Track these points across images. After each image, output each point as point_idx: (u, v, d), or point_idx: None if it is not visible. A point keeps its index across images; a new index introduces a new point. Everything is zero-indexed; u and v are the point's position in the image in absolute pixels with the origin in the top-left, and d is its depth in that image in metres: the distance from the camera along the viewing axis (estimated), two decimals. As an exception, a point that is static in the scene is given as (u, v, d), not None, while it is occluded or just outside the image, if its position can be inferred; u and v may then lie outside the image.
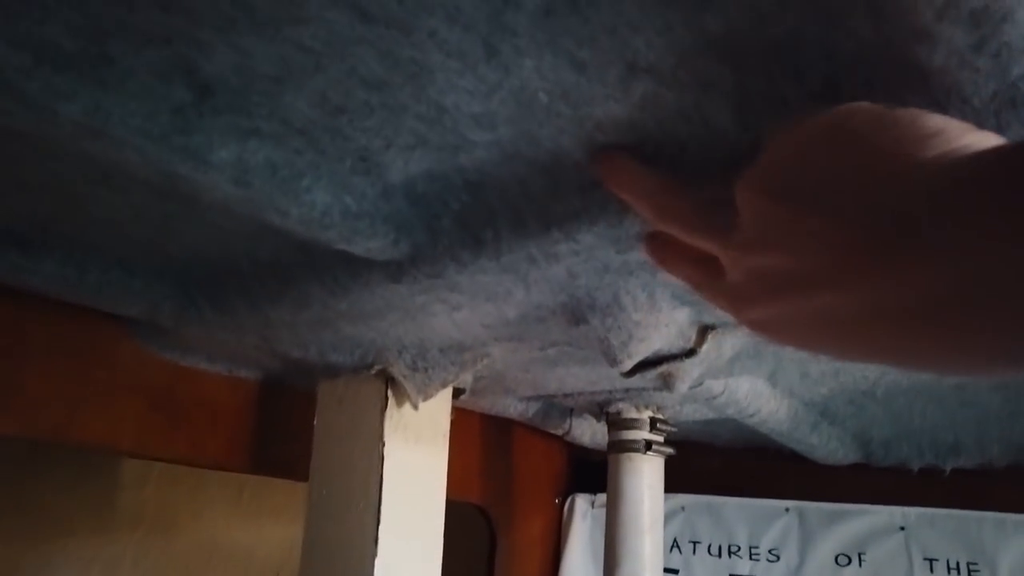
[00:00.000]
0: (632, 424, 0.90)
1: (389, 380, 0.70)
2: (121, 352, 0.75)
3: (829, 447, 1.00)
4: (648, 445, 0.89)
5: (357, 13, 0.33)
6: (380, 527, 0.67)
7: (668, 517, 1.16)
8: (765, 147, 0.32)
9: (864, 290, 0.26)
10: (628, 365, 0.55)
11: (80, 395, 0.72)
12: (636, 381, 0.67)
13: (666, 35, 0.33)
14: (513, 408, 0.98)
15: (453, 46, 0.34)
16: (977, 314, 0.23)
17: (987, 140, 0.26)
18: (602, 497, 1.22)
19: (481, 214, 0.46)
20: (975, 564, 0.99)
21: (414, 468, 0.72)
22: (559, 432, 1.08)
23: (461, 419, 0.80)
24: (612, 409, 0.91)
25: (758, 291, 0.31)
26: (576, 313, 0.53)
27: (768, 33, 0.32)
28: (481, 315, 0.58)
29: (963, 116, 0.32)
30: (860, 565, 1.06)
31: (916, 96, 0.33)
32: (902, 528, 1.05)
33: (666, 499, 0.95)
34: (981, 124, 0.32)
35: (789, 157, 0.30)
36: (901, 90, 0.33)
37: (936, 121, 0.26)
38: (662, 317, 0.52)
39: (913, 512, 1.05)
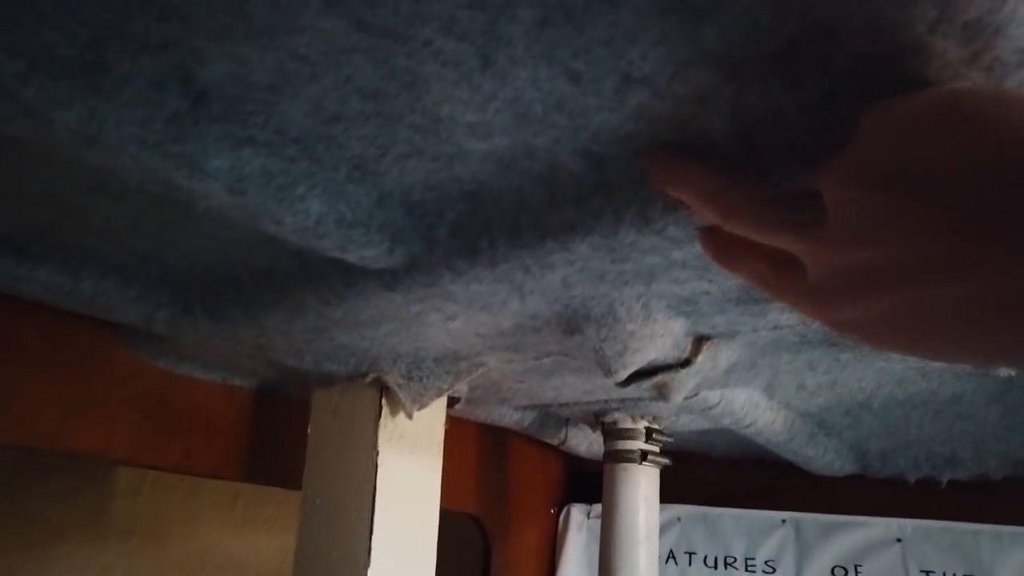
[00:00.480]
0: (628, 434, 0.89)
1: (384, 389, 0.70)
2: (115, 360, 0.75)
3: (825, 458, 0.99)
4: (644, 455, 0.89)
5: (353, 22, 0.33)
6: (373, 537, 0.67)
7: (664, 528, 1.15)
8: (855, 133, 0.30)
9: (981, 281, 0.24)
10: (623, 375, 0.55)
11: (74, 403, 0.71)
12: (631, 391, 0.67)
13: (662, 47, 0.33)
14: (508, 417, 0.97)
15: (448, 56, 0.34)
16: None
17: None
18: (598, 508, 1.21)
19: (476, 223, 0.46)
20: (972, 577, 0.99)
21: (408, 478, 0.72)
22: (555, 442, 1.08)
23: (456, 428, 0.80)
24: (608, 419, 0.90)
25: (848, 289, 0.29)
26: (571, 323, 0.53)
27: (764, 45, 0.32)
28: (476, 324, 0.58)
29: (957, 129, 0.32)
30: (856, 577, 1.06)
31: None
32: (899, 540, 1.05)
33: (662, 510, 0.95)
34: (975, 137, 0.32)
35: (890, 143, 0.28)
36: None
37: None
38: (657, 327, 0.52)
39: (910, 524, 1.04)
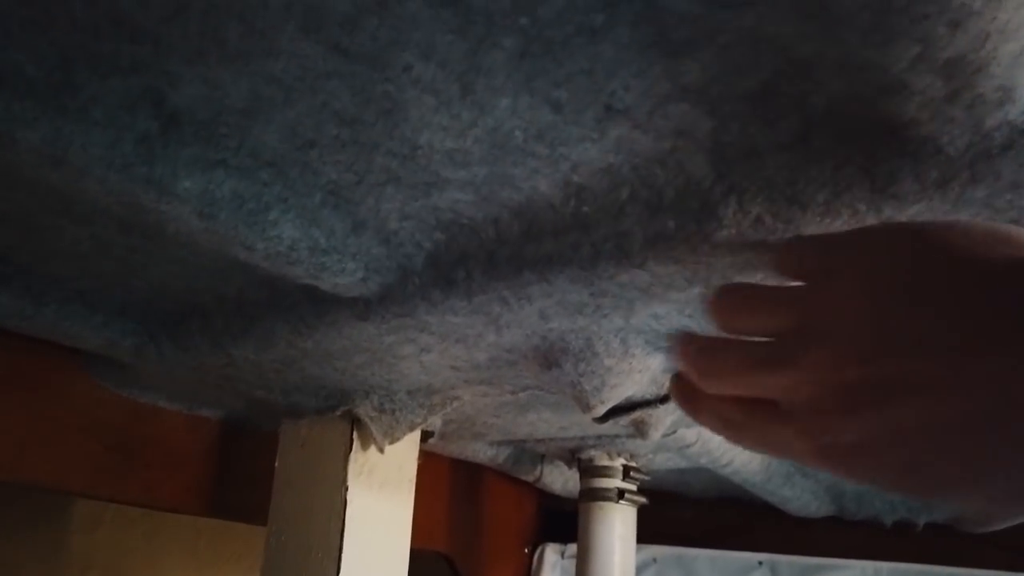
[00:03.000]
0: (605, 472, 0.88)
1: (355, 422, 0.69)
2: (75, 388, 0.72)
3: (802, 500, 0.99)
4: (621, 494, 0.88)
5: (330, 47, 0.32)
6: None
7: (639, 569, 1.13)
8: (836, 251, 0.31)
9: (974, 393, 0.25)
10: (600, 411, 0.54)
11: (31, 432, 0.69)
12: (609, 428, 0.66)
13: (643, 79, 0.33)
14: (483, 453, 0.96)
15: (428, 83, 0.34)
16: None
17: None
18: (572, 547, 1.19)
19: (453, 253, 0.45)
20: (948, 621, 0.98)
21: (378, 514, 0.69)
22: (530, 479, 1.06)
23: (428, 464, 0.78)
24: (584, 456, 0.89)
25: (843, 409, 0.28)
26: (548, 357, 0.52)
27: (741, 83, 0.32)
28: (451, 357, 0.57)
29: (937, 167, 0.32)
30: (833, 621, 1.04)
31: (887, 148, 0.33)
32: (875, 583, 1.04)
33: (637, 551, 0.93)
34: (955, 175, 0.32)
35: (861, 267, 0.29)
36: (872, 142, 0.33)
37: (1007, 227, 0.27)
38: (635, 363, 0.51)
39: (886, 567, 1.04)
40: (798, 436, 0.30)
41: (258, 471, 0.80)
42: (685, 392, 0.36)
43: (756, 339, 0.32)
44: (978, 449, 0.25)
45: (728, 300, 0.34)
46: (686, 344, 0.35)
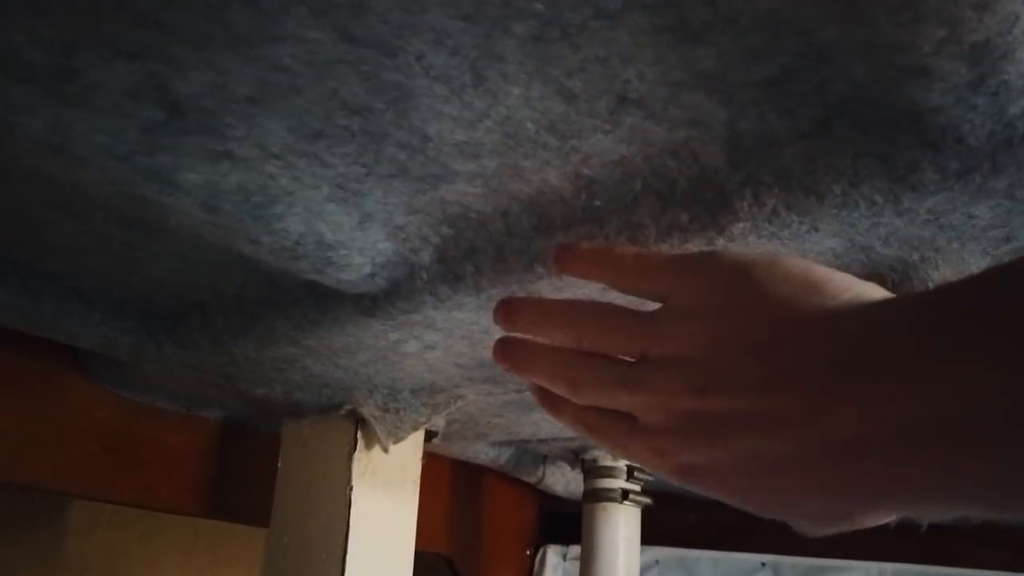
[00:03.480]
0: (608, 472, 0.87)
1: (358, 422, 0.68)
2: (73, 388, 0.71)
3: (805, 500, 0.98)
4: (625, 494, 0.87)
5: (339, 33, 0.31)
6: (344, 578, 0.64)
7: (642, 571, 1.12)
8: (671, 291, 0.33)
9: (795, 431, 0.27)
10: (608, 409, 0.53)
11: (28, 433, 0.68)
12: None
13: (658, 67, 0.32)
14: (484, 454, 0.95)
15: (439, 71, 0.33)
16: (910, 448, 0.24)
17: (871, 289, 0.28)
18: (574, 549, 1.18)
19: (461, 248, 0.45)
20: (952, 622, 0.97)
21: (382, 515, 0.69)
22: (532, 480, 1.05)
23: (429, 465, 0.77)
24: (588, 456, 0.88)
25: (683, 437, 0.31)
26: (555, 354, 0.52)
27: (760, 70, 0.32)
28: (456, 355, 0.56)
29: (958, 156, 0.31)
30: (836, 622, 1.04)
31: (908, 136, 0.32)
32: (878, 584, 1.03)
33: (640, 552, 0.92)
34: (977, 165, 0.31)
35: (701, 301, 0.31)
36: (893, 130, 0.32)
37: (823, 270, 0.29)
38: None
39: (890, 568, 1.03)
40: (652, 453, 0.32)
41: (258, 472, 0.79)
42: (547, 396, 0.37)
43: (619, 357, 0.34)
44: (792, 481, 0.28)
45: (591, 320, 0.35)
46: (546, 355, 0.36)
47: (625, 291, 0.35)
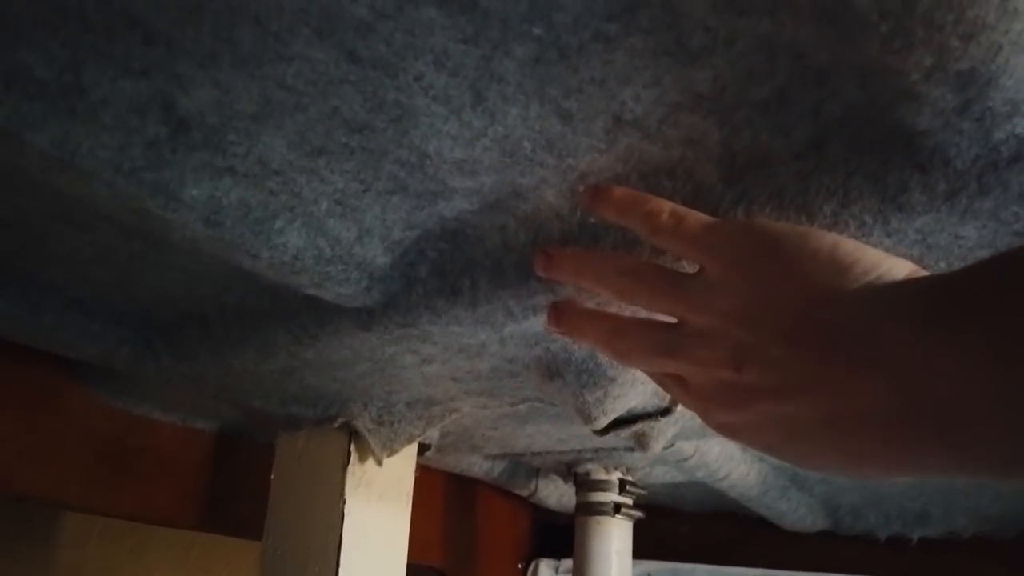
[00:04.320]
0: (601, 486, 0.88)
1: (353, 434, 0.68)
2: (69, 398, 0.71)
3: (798, 514, 0.99)
4: (617, 508, 0.87)
5: (344, 53, 0.32)
6: (337, 591, 0.64)
7: (634, 584, 1.13)
8: (706, 262, 0.34)
9: (819, 403, 0.29)
10: (603, 423, 0.54)
11: (24, 444, 0.68)
12: (609, 440, 0.66)
13: (654, 88, 0.33)
14: (478, 467, 0.95)
15: (439, 91, 0.34)
16: (918, 424, 0.26)
17: (897, 267, 0.30)
18: (566, 563, 1.18)
19: (458, 263, 0.45)
20: (943, 637, 0.98)
21: (375, 528, 0.69)
22: (524, 493, 1.06)
23: (422, 478, 0.77)
24: (580, 470, 0.89)
25: (721, 401, 0.34)
26: (551, 368, 0.52)
27: (755, 91, 0.33)
28: (452, 368, 0.56)
29: (946, 178, 0.32)
30: (828, 637, 1.04)
31: (899, 157, 0.33)
32: (870, 598, 1.04)
33: (632, 565, 0.92)
34: (963, 187, 0.32)
35: (734, 276, 0.33)
36: (885, 151, 0.33)
37: (851, 248, 0.30)
38: (638, 374, 0.51)
39: (881, 582, 1.03)
40: (698, 409, 0.36)
41: (252, 484, 0.79)
42: (564, 309, 0.42)
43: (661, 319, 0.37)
44: (817, 447, 0.31)
45: (630, 279, 0.37)
46: (595, 323, 0.40)
47: (657, 244, 0.38)
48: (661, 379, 0.40)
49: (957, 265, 0.38)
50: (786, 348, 0.30)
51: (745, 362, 0.32)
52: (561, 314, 0.42)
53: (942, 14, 0.25)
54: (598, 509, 0.88)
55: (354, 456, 0.68)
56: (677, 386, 0.38)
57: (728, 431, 0.35)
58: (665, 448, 0.70)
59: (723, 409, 0.34)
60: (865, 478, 0.32)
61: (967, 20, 0.26)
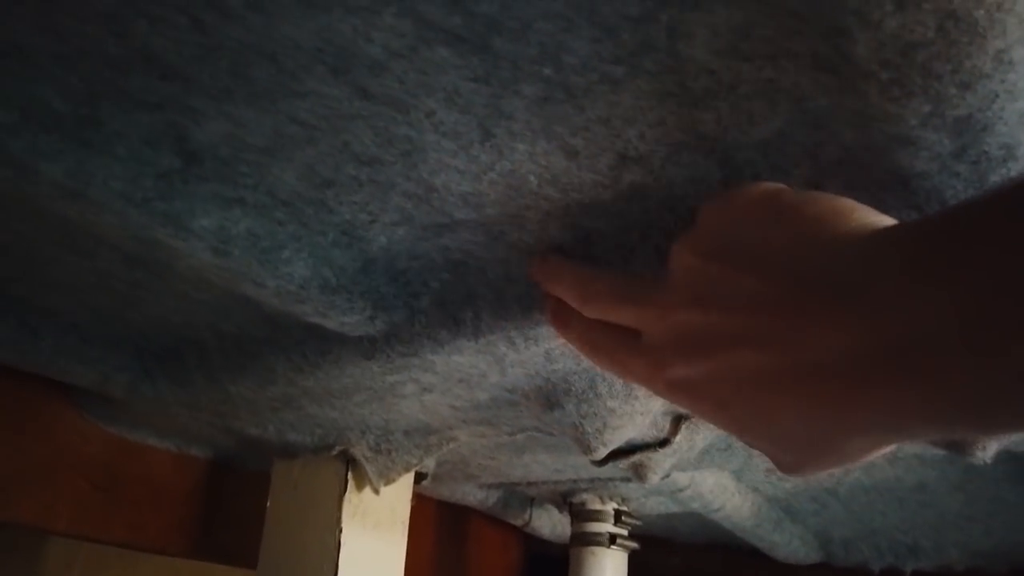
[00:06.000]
0: (596, 516, 0.87)
1: (349, 462, 0.68)
2: (62, 423, 0.71)
3: (791, 546, 0.98)
4: (612, 539, 0.87)
5: (356, 90, 0.33)
6: (331, 622, 0.63)
7: (627, 616, 1.12)
8: (699, 212, 0.34)
9: (788, 347, 0.27)
10: (602, 453, 0.54)
11: (14, 468, 0.67)
12: (606, 470, 0.66)
13: (658, 128, 0.34)
14: (473, 496, 0.95)
15: (449, 127, 0.35)
16: (897, 370, 0.24)
17: (886, 220, 0.28)
18: (559, 593, 1.17)
19: (461, 293, 0.46)
20: (937, 672, 0.97)
21: (371, 557, 0.68)
22: (518, 523, 1.05)
23: (416, 506, 0.77)
24: (576, 500, 0.88)
25: (680, 349, 0.32)
26: (551, 398, 0.53)
27: (756, 132, 0.33)
28: (452, 397, 0.56)
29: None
30: (822, 671, 1.03)
31: (896, 199, 0.34)
32: (863, 632, 1.03)
33: (626, 597, 0.92)
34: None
35: (724, 223, 0.32)
36: (882, 192, 0.34)
37: (849, 202, 0.30)
38: (638, 405, 0.52)
39: (874, 615, 1.03)
40: (648, 367, 0.34)
41: (246, 512, 0.78)
42: (559, 313, 0.41)
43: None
44: (777, 399, 0.28)
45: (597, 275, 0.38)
46: (571, 272, 0.39)
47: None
48: (604, 340, 0.38)
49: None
50: (758, 286, 0.28)
51: (712, 299, 0.30)
52: (542, 264, 0.42)
53: (940, 64, 0.26)
54: (593, 539, 0.87)
55: (350, 485, 0.68)
56: (623, 348, 0.36)
57: (680, 388, 0.33)
58: (662, 479, 0.70)
59: (680, 359, 0.32)
60: (821, 452, 0.29)
61: (965, 70, 0.27)
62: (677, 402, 0.34)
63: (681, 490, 0.76)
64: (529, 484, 0.87)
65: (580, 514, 0.88)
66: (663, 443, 0.58)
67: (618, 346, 0.37)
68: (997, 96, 0.27)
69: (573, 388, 0.51)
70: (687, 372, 0.32)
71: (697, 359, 0.31)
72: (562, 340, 0.42)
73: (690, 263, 0.32)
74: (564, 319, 0.40)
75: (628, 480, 0.73)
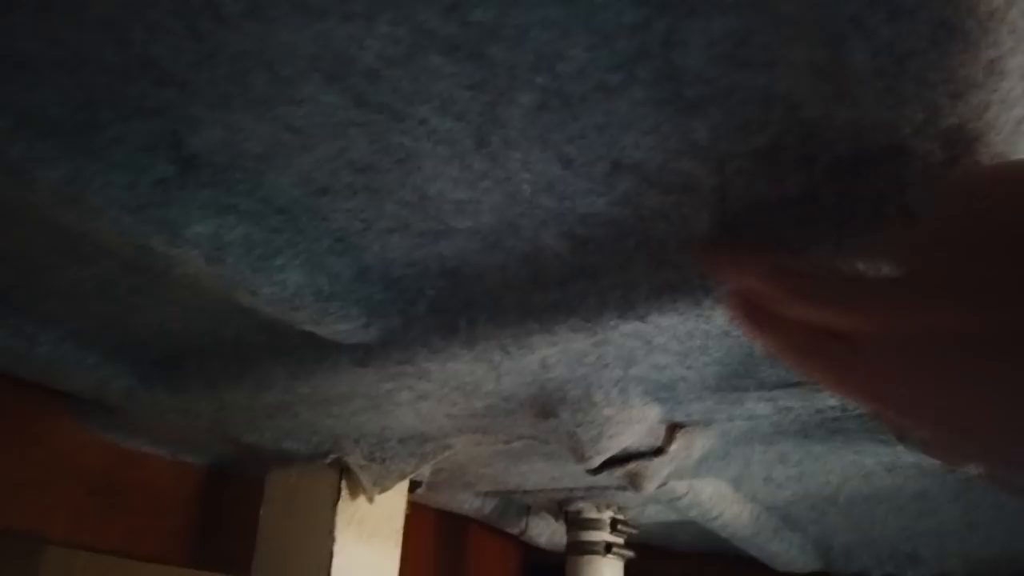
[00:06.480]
0: (592, 524, 0.87)
1: (344, 470, 0.68)
2: (58, 431, 0.71)
3: (790, 554, 0.98)
4: (608, 547, 0.87)
5: (352, 98, 0.33)
6: (326, 630, 0.63)
7: (624, 625, 1.11)
8: (935, 200, 0.30)
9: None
10: (597, 461, 0.54)
11: (11, 476, 0.67)
12: (602, 479, 0.66)
13: (653, 136, 0.34)
14: (469, 504, 0.94)
15: (444, 135, 0.35)
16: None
17: None
18: (557, 602, 1.17)
19: (457, 301, 0.46)
20: None
21: (365, 566, 0.68)
22: (515, 531, 1.05)
23: (412, 515, 0.77)
24: (572, 508, 0.88)
25: (905, 355, 0.28)
26: (546, 406, 0.53)
27: (751, 141, 0.33)
28: (448, 404, 0.56)
29: (935, 227, 0.33)
30: None
31: (890, 207, 0.34)
32: (862, 642, 1.02)
33: (624, 605, 0.92)
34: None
35: (976, 209, 0.28)
36: (876, 200, 0.34)
37: None
38: (633, 413, 0.52)
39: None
40: (868, 376, 0.30)
41: (242, 519, 0.78)
42: (752, 310, 0.35)
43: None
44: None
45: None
46: (758, 261, 0.34)
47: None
48: (802, 341, 0.32)
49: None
50: (996, 280, 0.25)
51: (979, 300, 0.26)
52: (716, 252, 0.37)
53: (933, 73, 0.26)
54: (589, 548, 0.87)
55: (345, 493, 0.67)
56: (847, 357, 0.31)
57: (915, 405, 0.29)
58: (658, 487, 0.70)
59: (898, 366, 0.28)
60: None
61: (957, 79, 0.27)
62: (903, 421, 0.30)
63: (679, 498, 0.76)
64: (525, 492, 0.87)
65: (576, 522, 0.88)
66: (658, 451, 0.58)
67: (828, 350, 0.31)
68: (989, 106, 0.28)
69: (568, 396, 0.51)
70: (931, 391, 0.28)
71: (924, 365, 0.27)
72: (755, 340, 0.36)
73: (939, 256, 0.28)
74: (760, 318, 0.34)
75: (624, 489, 0.73)
